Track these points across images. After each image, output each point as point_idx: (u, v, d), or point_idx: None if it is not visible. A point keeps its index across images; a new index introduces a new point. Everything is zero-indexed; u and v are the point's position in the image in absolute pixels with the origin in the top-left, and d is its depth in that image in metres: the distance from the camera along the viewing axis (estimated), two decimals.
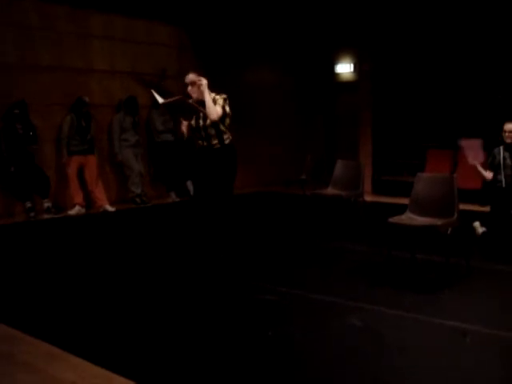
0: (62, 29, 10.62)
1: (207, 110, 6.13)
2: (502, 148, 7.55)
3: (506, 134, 7.44)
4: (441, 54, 11.97)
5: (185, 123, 6.47)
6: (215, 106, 6.17)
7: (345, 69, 14.26)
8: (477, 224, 7.68)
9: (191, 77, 6.33)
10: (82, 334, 4.65)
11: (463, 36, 11.54)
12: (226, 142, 6.34)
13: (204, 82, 6.15)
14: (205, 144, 6.35)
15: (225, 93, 6.44)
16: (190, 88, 6.33)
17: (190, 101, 6.18)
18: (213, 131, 6.27)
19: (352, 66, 14.09)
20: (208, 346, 4.37)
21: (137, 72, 11.83)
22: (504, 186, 7.44)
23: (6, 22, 9.86)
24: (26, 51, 10.13)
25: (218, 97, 6.31)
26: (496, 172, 7.51)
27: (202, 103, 6.21)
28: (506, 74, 11.18)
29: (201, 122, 6.32)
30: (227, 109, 6.30)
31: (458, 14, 11.35)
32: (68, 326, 4.83)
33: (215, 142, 6.30)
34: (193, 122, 6.39)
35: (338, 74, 14.46)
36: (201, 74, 6.35)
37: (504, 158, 7.46)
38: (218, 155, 6.32)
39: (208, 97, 6.14)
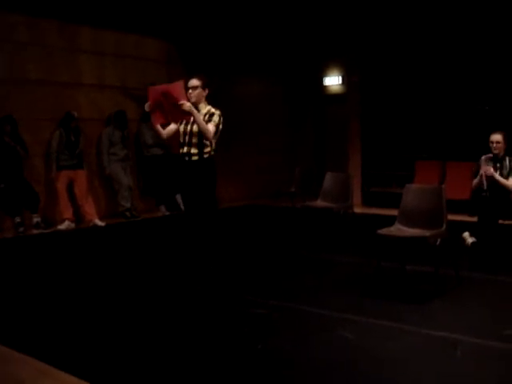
0: (51, 43, 10.63)
1: (203, 129, 6.17)
2: (483, 158, 7.60)
3: (494, 144, 7.48)
4: (429, 65, 12.05)
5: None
6: (207, 125, 6.20)
7: (333, 81, 14.34)
8: (466, 234, 7.71)
9: (193, 81, 6.36)
10: (72, 350, 4.63)
11: (450, 47, 11.63)
12: (205, 155, 6.30)
13: (187, 104, 6.13)
14: (185, 150, 6.33)
15: (214, 105, 6.46)
16: (190, 91, 6.34)
17: (188, 106, 6.15)
18: (195, 139, 6.27)
19: (340, 78, 14.16)
20: (198, 359, 4.36)
21: (126, 86, 11.84)
22: (489, 195, 7.48)
23: None
24: (15, 65, 10.12)
25: (213, 110, 6.33)
26: (480, 182, 7.55)
27: (196, 109, 6.24)
28: (493, 85, 11.26)
29: (189, 127, 6.31)
30: (220, 126, 6.33)
31: (445, 24, 11.42)
32: (58, 342, 4.80)
33: (194, 151, 6.28)
34: (181, 126, 6.39)
35: (326, 87, 14.53)
36: (204, 79, 6.38)
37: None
38: (196, 169, 6.31)
39: (198, 118, 6.17)
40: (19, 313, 5.61)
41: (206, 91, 6.41)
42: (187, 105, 6.06)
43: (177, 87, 6.20)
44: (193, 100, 6.32)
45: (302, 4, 12.06)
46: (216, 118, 6.27)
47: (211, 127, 6.22)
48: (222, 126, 6.36)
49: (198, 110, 6.30)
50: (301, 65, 14.41)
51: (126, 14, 11.33)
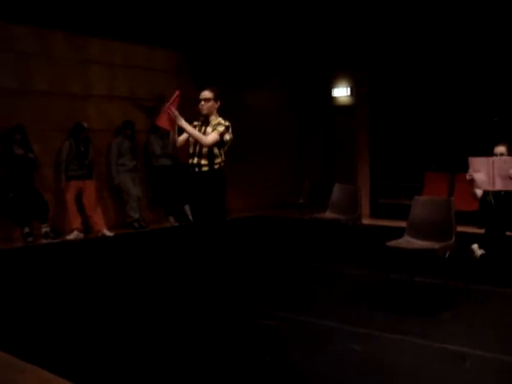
0: (60, 54, 10.69)
1: (195, 138, 6.22)
2: None
3: (498, 157, 7.45)
4: (438, 76, 12.04)
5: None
6: (204, 135, 6.26)
7: (342, 92, 14.34)
8: (475, 246, 7.68)
9: (206, 93, 6.39)
10: (78, 360, 4.63)
11: (459, 59, 11.61)
12: (216, 166, 6.33)
13: (176, 113, 6.20)
14: (195, 162, 6.35)
15: (223, 116, 6.48)
16: (202, 103, 6.37)
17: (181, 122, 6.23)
18: (206, 150, 6.29)
19: (349, 89, 14.17)
20: (207, 370, 4.36)
21: (135, 97, 11.89)
22: (494, 206, 7.46)
23: (5, 47, 9.92)
24: (25, 76, 10.18)
25: (222, 121, 6.35)
26: (485, 193, 7.54)
27: (206, 120, 6.35)
28: (502, 96, 11.25)
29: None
30: (227, 137, 6.32)
31: (454, 35, 11.42)
32: (64, 351, 4.81)
33: (204, 162, 6.30)
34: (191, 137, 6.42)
35: (335, 98, 14.53)
36: (216, 91, 6.41)
37: None
38: (206, 180, 6.33)
39: (188, 127, 6.24)
40: (27, 322, 5.62)
41: (218, 103, 6.44)
42: (176, 113, 6.15)
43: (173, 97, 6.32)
44: (204, 112, 6.36)
45: (311, 15, 12.10)
46: (221, 128, 6.29)
47: (213, 135, 6.25)
48: (232, 137, 6.38)
49: (209, 122, 6.34)
50: (309, 76, 14.42)
51: (135, 24, 11.38)
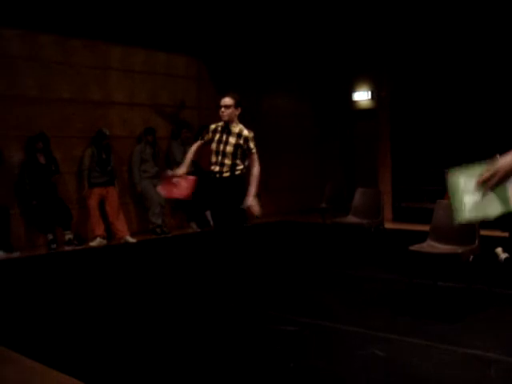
0: (81, 61, 10.77)
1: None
2: None
3: None
4: (459, 80, 11.97)
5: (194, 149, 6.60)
6: (255, 166, 6.42)
7: (362, 96, 14.30)
8: (499, 250, 7.62)
9: (226, 100, 6.40)
10: (92, 365, 4.65)
11: (481, 60, 11.54)
12: (237, 172, 6.36)
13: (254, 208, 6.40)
14: (216, 169, 6.38)
15: (243, 122, 6.50)
16: (222, 110, 6.39)
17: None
18: (228, 161, 6.32)
19: (369, 93, 14.12)
20: (229, 379, 4.35)
21: (156, 103, 11.95)
22: None
23: (26, 56, 10.03)
24: (47, 84, 10.27)
25: (247, 133, 6.36)
26: None
27: (227, 128, 6.34)
28: None
29: (221, 146, 6.37)
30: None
31: (475, 38, 11.36)
32: (82, 357, 4.84)
33: (226, 169, 6.34)
34: (214, 145, 6.44)
35: (355, 102, 14.49)
36: (237, 98, 6.44)
37: None
38: (226, 184, 6.36)
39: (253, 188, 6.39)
40: (48, 327, 5.65)
41: (239, 110, 6.45)
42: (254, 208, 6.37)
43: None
44: (225, 118, 6.38)
45: (331, 19, 12.10)
46: (252, 144, 6.36)
47: (255, 160, 6.39)
48: None
49: (230, 130, 6.34)
50: (330, 80, 14.40)
51: (155, 31, 11.46)
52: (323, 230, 10.14)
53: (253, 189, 6.34)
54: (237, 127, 6.40)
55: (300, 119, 14.48)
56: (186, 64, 12.57)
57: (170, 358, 4.77)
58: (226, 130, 6.39)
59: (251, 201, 6.29)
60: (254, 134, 6.47)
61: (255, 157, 6.39)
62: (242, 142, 6.32)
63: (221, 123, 6.47)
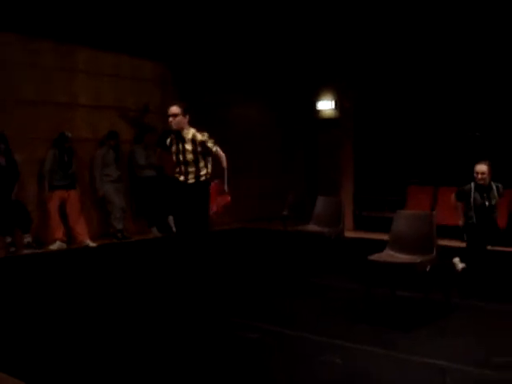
0: (46, 63, 10.67)
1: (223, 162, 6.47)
2: (472, 185, 7.61)
3: (479, 175, 7.47)
4: (421, 91, 12.15)
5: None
6: (216, 151, 6.45)
7: (326, 106, 14.39)
8: (457, 260, 7.72)
9: (173, 109, 6.43)
10: (57, 371, 4.61)
11: (442, 74, 11.73)
12: (202, 178, 6.40)
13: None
14: (181, 178, 6.41)
15: (207, 129, 6.53)
16: (170, 119, 6.41)
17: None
18: (192, 168, 6.35)
19: (333, 103, 14.22)
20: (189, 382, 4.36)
21: (121, 107, 11.88)
22: (475, 222, 7.53)
23: None
24: (10, 85, 10.12)
25: (200, 137, 6.38)
26: (467, 207, 7.61)
27: (180, 136, 6.37)
28: (484, 111, 11.36)
29: (181, 156, 6.39)
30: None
31: (436, 51, 11.54)
32: (43, 362, 4.79)
33: (191, 177, 6.36)
34: (174, 156, 6.46)
35: (319, 111, 14.58)
36: (184, 106, 6.46)
37: (475, 198, 7.54)
38: (191, 191, 6.38)
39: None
40: (7, 332, 5.58)
41: (187, 117, 6.47)
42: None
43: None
44: (174, 127, 6.43)
45: (296, 29, 12.19)
46: (210, 144, 6.39)
47: (218, 149, 6.46)
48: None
49: (184, 137, 6.37)
50: (294, 89, 14.47)
51: (122, 35, 11.39)
52: (284, 238, 10.17)
53: (226, 178, 6.59)
54: (189, 133, 6.42)
55: (264, 127, 14.49)
56: (151, 68, 12.54)
57: (131, 364, 4.75)
58: (180, 138, 6.41)
59: (227, 188, 6.51)
60: (217, 140, 6.50)
61: (219, 153, 6.46)
62: (199, 148, 6.35)
63: (173, 134, 6.50)
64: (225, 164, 6.50)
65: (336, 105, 14.13)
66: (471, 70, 11.32)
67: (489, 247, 7.61)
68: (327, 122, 14.38)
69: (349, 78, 13.06)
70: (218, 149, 6.45)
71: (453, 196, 7.83)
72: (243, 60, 13.17)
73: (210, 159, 6.49)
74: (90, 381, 4.44)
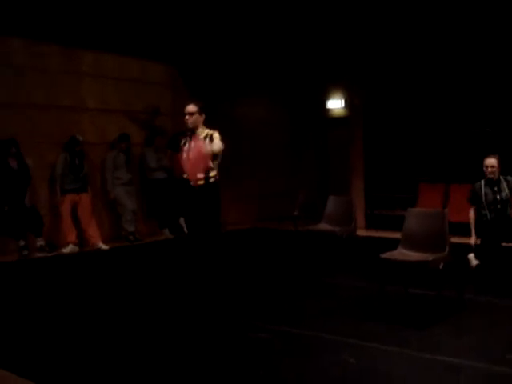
0: (53, 67, 10.71)
1: (216, 144, 6.28)
2: (482, 182, 7.62)
3: (489, 169, 7.49)
4: (431, 88, 12.10)
5: None
6: (215, 144, 6.31)
7: (336, 104, 14.36)
8: (471, 256, 7.69)
9: (190, 107, 6.44)
10: (68, 373, 4.63)
11: (453, 69, 11.69)
12: (211, 180, 6.38)
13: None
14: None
15: (218, 129, 6.53)
16: (187, 117, 6.42)
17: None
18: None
19: (343, 101, 14.19)
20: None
21: (130, 110, 11.91)
22: (489, 219, 7.52)
23: None
24: (18, 90, 10.17)
25: (212, 132, 6.39)
26: (479, 206, 7.60)
27: (193, 132, 6.37)
28: (495, 107, 11.31)
29: (191, 153, 6.38)
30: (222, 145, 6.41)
31: (447, 47, 11.50)
32: (56, 365, 4.81)
33: (200, 176, 6.34)
34: (184, 154, 6.46)
35: (329, 110, 14.56)
36: (200, 104, 6.47)
37: (485, 193, 7.54)
38: (201, 193, 6.37)
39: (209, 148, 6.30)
40: (19, 335, 5.60)
41: (203, 116, 6.50)
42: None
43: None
44: (190, 126, 6.42)
45: (305, 27, 12.17)
46: (217, 135, 6.35)
47: (218, 142, 6.31)
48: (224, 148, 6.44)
49: (197, 135, 6.37)
50: (303, 88, 14.45)
51: (129, 38, 11.41)
52: (296, 238, 10.17)
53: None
54: (204, 132, 6.43)
55: (274, 127, 14.49)
56: (160, 71, 12.56)
57: (143, 365, 4.76)
58: (193, 136, 6.42)
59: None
60: (228, 141, 6.50)
61: (217, 140, 6.36)
62: (207, 140, 6.35)
63: (188, 132, 6.50)
64: (216, 148, 6.34)
65: (346, 103, 14.10)
66: (481, 67, 11.28)
67: (503, 244, 7.58)
68: (337, 120, 14.35)
69: (358, 77, 13.04)
70: (218, 141, 6.37)
71: (470, 210, 7.78)
72: (253, 60, 13.16)
73: (217, 162, 6.46)
74: (100, 383, 4.45)
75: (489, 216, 7.52)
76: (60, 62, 10.84)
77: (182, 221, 11.27)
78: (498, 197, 7.47)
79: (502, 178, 7.55)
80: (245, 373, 4.57)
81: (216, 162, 6.42)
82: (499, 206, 7.49)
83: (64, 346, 5.28)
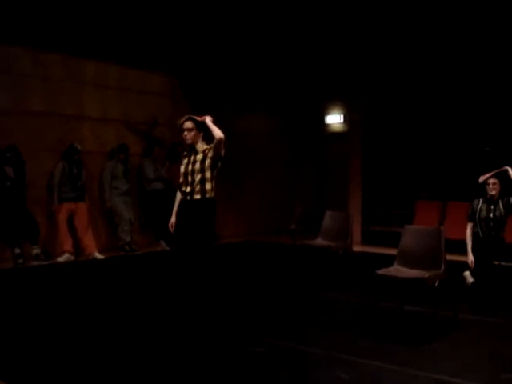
0: (55, 76, 10.73)
1: (213, 130, 6.23)
2: (481, 200, 7.68)
3: (490, 186, 7.54)
4: (430, 105, 12.15)
5: None
6: (196, 163, 6.30)
7: (334, 120, 14.39)
8: (467, 273, 7.68)
9: (188, 124, 6.39)
10: (64, 382, 4.62)
11: (451, 87, 11.74)
12: (207, 195, 6.31)
13: (208, 117, 6.31)
14: (187, 190, 6.34)
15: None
16: (185, 133, 6.39)
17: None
18: (198, 177, 6.29)
19: (342, 116, 14.22)
20: None
21: (129, 120, 11.92)
22: (481, 236, 7.55)
23: (0, 69, 9.96)
24: (19, 97, 10.20)
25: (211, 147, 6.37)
26: (474, 224, 7.65)
27: (193, 149, 6.33)
28: (494, 126, 11.35)
29: (190, 166, 6.35)
30: (222, 157, 6.36)
31: (445, 65, 11.55)
32: (48, 374, 4.78)
33: (197, 189, 6.29)
34: (182, 167, 6.44)
35: (327, 125, 14.59)
36: (197, 121, 6.45)
37: (480, 209, 7.59)
38: (197, 208, 6.32)
39: (211, 124, 6.27)
40: (13, 344, 5.58)
41: (202, 133, 6.44)
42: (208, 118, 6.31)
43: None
44: (188, 142, 6.38)
45: (305, 43, 12.22)
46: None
47: (217, 130, 6.26)
48: (222, 163, 6.38)
49: (197, 150, 6.34)
50: (302, 103, 14.51)
51: (130, 48, 11.45)
52: (292, 252, 10.16)
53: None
54: (202, 147, 6.39)
55: (273, 141, 14.53)
56: (161, 81, 12.59)
57: (138, 377, 4.74)
58: (193, 150, 6.39)
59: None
60: (226, 153, 6.47)
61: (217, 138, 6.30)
62: (208, 161, 6.30)
63: (186, 148, 6.48)
64: (217, 133, 6.22)
65: (344, 119, 14.13)
66: (481, 85, 11.32)
67: (496, 262, 7.58)
68: (336, 135, 14.38)
69: (357, 92, 13.09)
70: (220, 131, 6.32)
71: (467, 227, 7.81)
72: (252, 74, 13.20)
73: (214, 175, 6.42)
74: None
75: (481, 233, 7.58)
76: (61, 70, 10.86)
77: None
78: (492, 215, 7.52)
79: (500, 200, 7.60)
80: None
81: (214, 175, 6.38)
82: (491, 223, 7.53)
83: (59, 355, 5.26)
